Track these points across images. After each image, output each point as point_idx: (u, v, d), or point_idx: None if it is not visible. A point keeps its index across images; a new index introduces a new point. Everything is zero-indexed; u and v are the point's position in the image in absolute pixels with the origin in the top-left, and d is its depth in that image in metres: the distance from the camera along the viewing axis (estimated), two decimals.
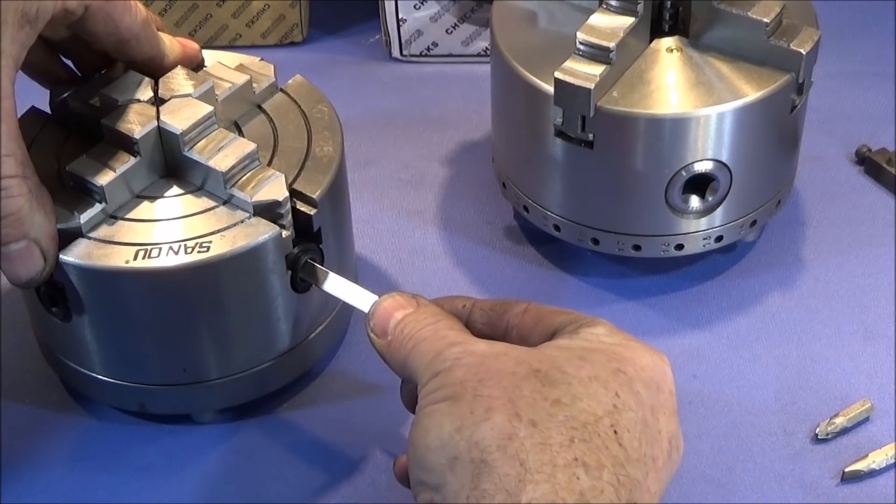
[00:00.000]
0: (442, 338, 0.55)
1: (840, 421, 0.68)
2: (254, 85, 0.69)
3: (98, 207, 0.62)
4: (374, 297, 0.60)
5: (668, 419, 0.53)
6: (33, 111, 0.68)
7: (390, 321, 0.57)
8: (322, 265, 0.66)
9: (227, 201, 0.63)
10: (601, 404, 0.51)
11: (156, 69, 0.66)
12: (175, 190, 0.64)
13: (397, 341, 0.56)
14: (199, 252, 0.61)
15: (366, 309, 0.60)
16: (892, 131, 0.88)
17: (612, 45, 0.67)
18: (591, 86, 0.67)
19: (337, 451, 0.68)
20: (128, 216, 0.63)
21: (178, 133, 0.63)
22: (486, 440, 0.49)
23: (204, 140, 0.63)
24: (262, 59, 0.71)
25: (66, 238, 0.61)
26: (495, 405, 0.50)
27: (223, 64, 0.69)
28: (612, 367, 0.52)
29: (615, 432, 0.50)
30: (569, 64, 0.68)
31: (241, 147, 0.63)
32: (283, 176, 0.63)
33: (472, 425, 0.50)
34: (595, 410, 0.51)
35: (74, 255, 0.61)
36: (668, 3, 0.72)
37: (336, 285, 0.64)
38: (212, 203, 0.63)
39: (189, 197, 0.64)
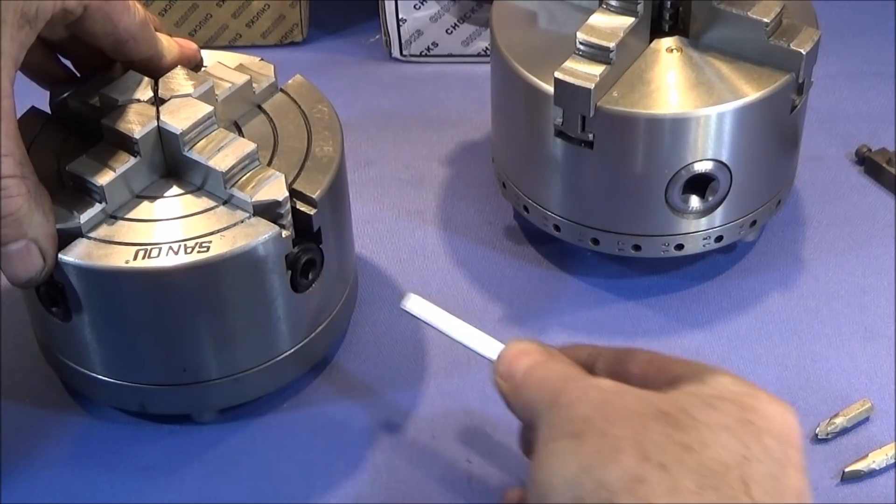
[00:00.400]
0: (570, 377, 0.54)
1: (840, 421, 0.68)
2: (254, 85, 0.69)
3: (98, 207, 0.62)
4: (500, 345, 0.59)
5: (796, 474, 0.51)
6: (33, 111, 0.68)
7: (519, 366, 0.56)
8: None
9: (227, 201, 0.63)
10: (731, 454, 0.49)
11: (153, 69, 0.66)
12: (175, 190, 0.64)
13: (524, 386, 0.55)
14: (199, 252, 0.61)
15: (492, 356, 0.59)
16: (892, 131, 0.88)
17: (612, 45, 0.67)
18: (591, 86, 0.67)
19: (337, 451, 0.68)
20: (128, 216, 0.63)
21: (178, 133, 0.63)
22: (614, 482, 0.48)
23: (204, 140, 0.64)
24: (262, 59, 0.71)
25: (66, 238, 0.61)
26: (623, 446, 0.49)
27: (223, 64, 0.69)
28: (742, 417, 0.50)
29: (745, 484, 0.48)
30: (569, 64, 0.68)
31: (241, 147, 0.63)
32: (283, 176, 0.63)
33: (600, 466, 0.48)
34: (725, 460, 0.49)
35: (74, 255, 0.61)
36: (668, 3, 0.72)
37: (459, 330, 0.62)
38: (212, 203, 0.63)
39: (189, 197, 0.64)
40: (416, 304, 0.63)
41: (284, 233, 0.63)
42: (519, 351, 0.57)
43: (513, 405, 0.56)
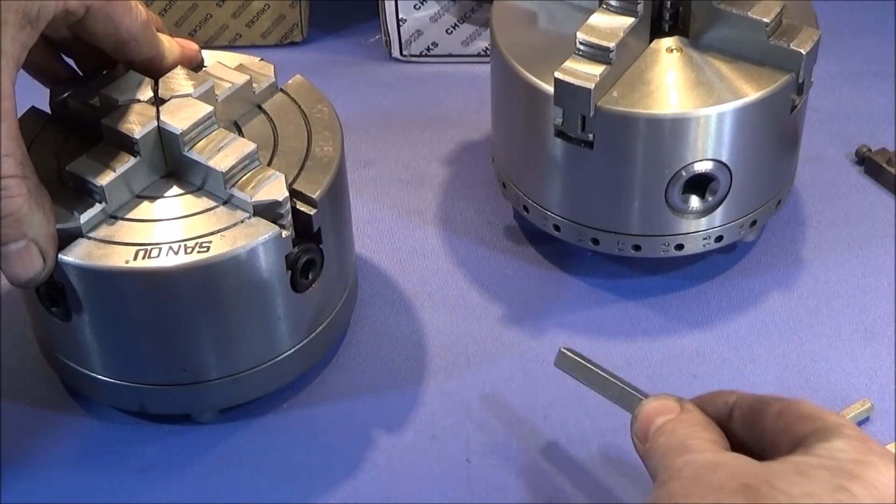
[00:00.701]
0: (683, 447, 0.54)
1: None
2: (254, 85, 0.69)
3: (98, 207, 0.62)
4: (641, 398, 0.59)
5: None
6: (33, 111, 0.68)
7: (651, 427, 0.56)
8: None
9: (227, 201, 0.63)
10: None
11: (155, 70, 0.66)
12: (175, 190, 0.64)
13: (653, 449, 0.55)
14: (199, 252, 0.61)
15: (631, 411, 0.59)
16: (892, 131, 0.88)
17: (612, 45, 0.67)
18: (591, 86, 0.67)
19: (337, 451, 0.68)
20: (128, 216, 0.63)
21: (178, 133, 0.63)
22: None
23: (204, 140, 0.64)
24: (262, 59, 0.71)
25: (66, 238, 0.61)
26: None
27: (223, 64, 0.69)
28: (835, 484, 0.49)
29: None
30: (569, 64, 0.68)
31: (241, 147, 0.63)
32: (283, 176, 0.63)
33: None
34: None
35: (74, 255, 0.61)
36: (668, 3, 0.72)
37: (602, 383, 0.63)
38: (212, 203, 0.63)
39: (189, 197, 0.64)
40: (566, 361, 0.65)
41: (284, 233, 0.63)
42: (652, 409, 0.57)
43: (647, 468, 0.56)
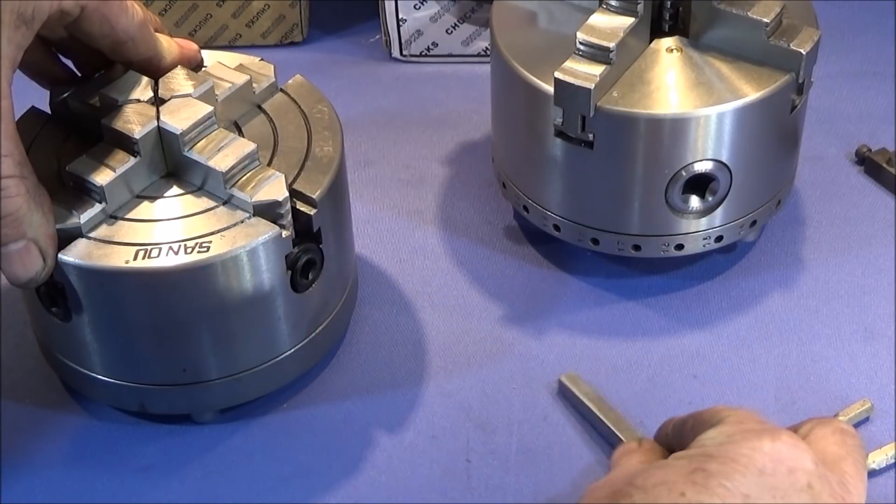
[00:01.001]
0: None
1: None
2: (254, 85, 0.69)
3: (98, 207, 0.62)
4: (621, 441, 0.65)
5: (794, 495, 0.52)
6: (33, 111, 0.68)
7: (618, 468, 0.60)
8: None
9: (227, 201, 0.63)
10: None
11: (153, 70, 0.66)
12: (175, 190, 0.64)
13: None
14: (199, 252, 0.61)
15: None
16: (892, 131, 0.88)
17: (612, 45, 0.67)
18: (591, 86, 0.67)
19: (337, 451, 0.68)
20: (128, 216, 0.63)
21: (178, 133, 0.63)
22: None
23: (204, 140, 0.64)
24: (262, 59, 0.71)
25: (66, 238, 0.61)
26: None
27: (223, 64, 0.69)
28: (690, 468, 0.52)
29: None
30: (569, 64, 0.68)
31: (241, 147, 0.63)
32: (283, 176, 0.63)
33: None
34: None
35: (74, 255, 0.61)
36: (668, 3, 0.72)
37: (592, 420, 0.68)
38: (212, 203, 0.63)
39: (189, 197, 0.64)
40: (564, 391, 0.70)
41: (284, 233, 0.63)
42: (617, 454, 0.62)
43: None
